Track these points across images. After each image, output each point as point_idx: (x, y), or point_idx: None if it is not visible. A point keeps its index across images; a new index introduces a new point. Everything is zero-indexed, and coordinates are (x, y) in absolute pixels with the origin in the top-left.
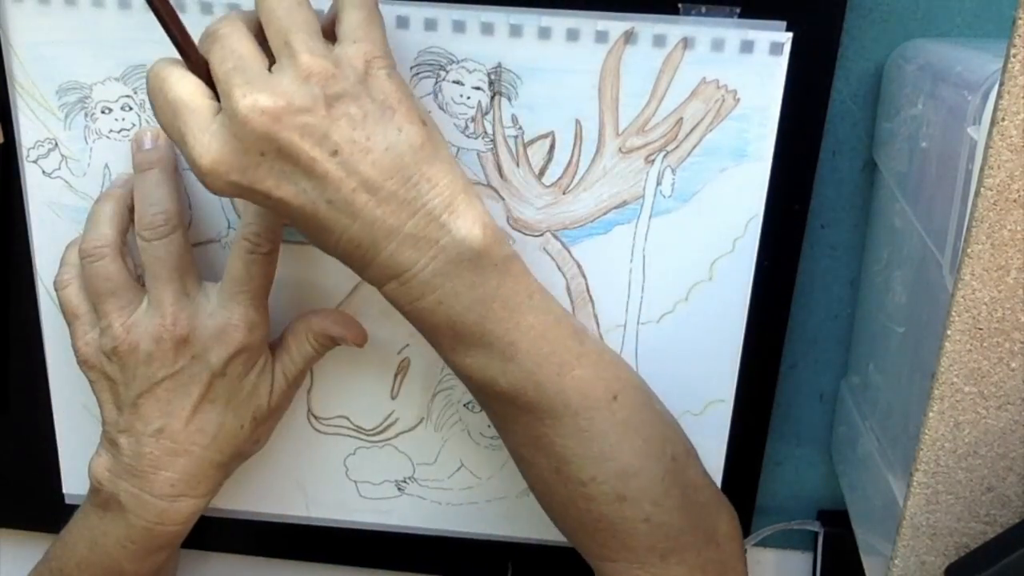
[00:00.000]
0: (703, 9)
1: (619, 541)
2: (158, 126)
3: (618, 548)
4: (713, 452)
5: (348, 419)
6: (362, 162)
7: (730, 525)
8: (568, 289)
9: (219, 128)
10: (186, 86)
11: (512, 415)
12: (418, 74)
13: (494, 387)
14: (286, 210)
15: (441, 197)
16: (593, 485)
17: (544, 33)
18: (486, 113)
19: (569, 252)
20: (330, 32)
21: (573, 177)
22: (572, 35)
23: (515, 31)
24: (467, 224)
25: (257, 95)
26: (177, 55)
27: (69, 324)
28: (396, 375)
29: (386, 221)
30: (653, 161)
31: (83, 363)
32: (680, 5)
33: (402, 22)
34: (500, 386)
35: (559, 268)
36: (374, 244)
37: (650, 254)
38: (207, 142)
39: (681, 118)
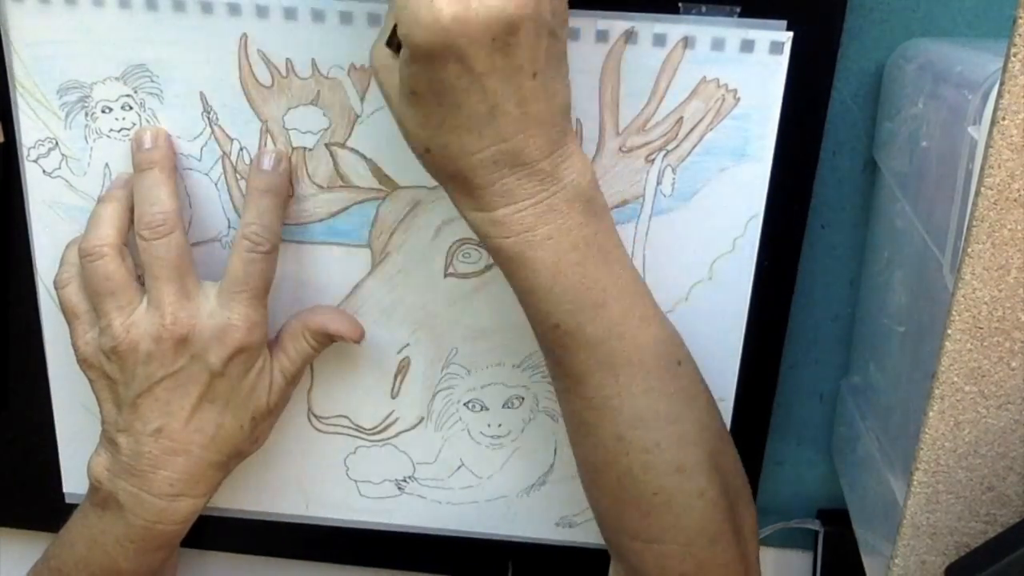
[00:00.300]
0: (703, 8)
1: (674, 517)
2: (157, 125)
3: (670, 527)
4: None
5: (348, 418)
6: (542, 92)
7: (753, 521)
8: None
9: None
10: None
11: (587, 371)
12: None
13: (579, 336)
14: (471, 97)
15: (569, 146)
16: (656, 452)
17: None
18: None
19: None
20: None
21: None
22: (572, 34)
23: None
24: (581, 168)
25: None
26: None
27: (69, 323)
28: (396, 375)
29: (540, 147)
30: (653, 160)
31: (83, 362)
32: (680, 4)
33: None
34: (587, 333)
35: None
36: (511, 167)
37: (650, 253)
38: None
39: (681, 117)
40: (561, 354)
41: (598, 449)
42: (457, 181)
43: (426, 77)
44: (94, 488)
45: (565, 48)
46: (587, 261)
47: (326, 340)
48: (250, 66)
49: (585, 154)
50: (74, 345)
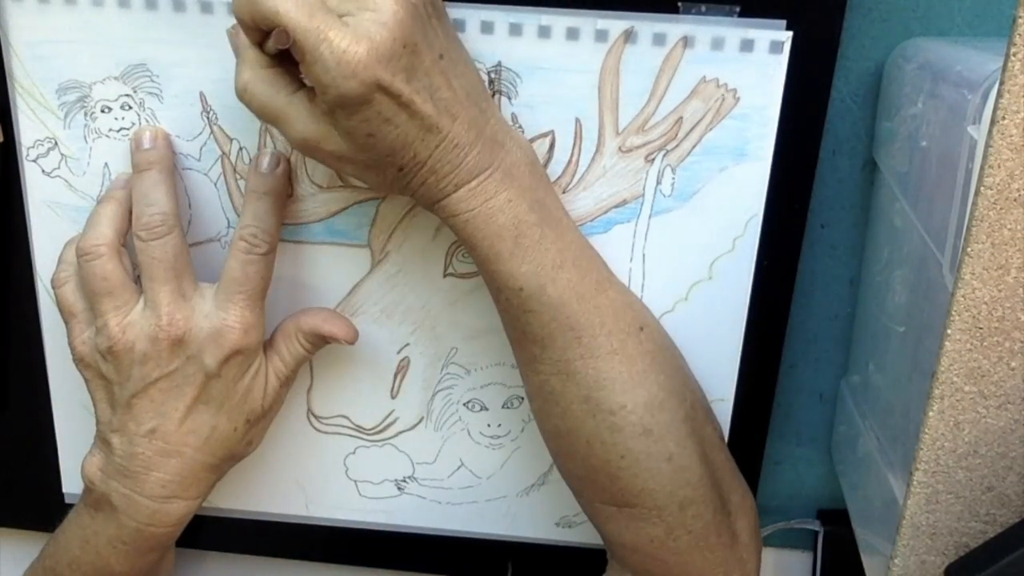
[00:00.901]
0: (703, 8)
1: (641, 481)
2: (157, 125)
3: (639, 491)
4: None
5: (348, 418)
6: (457, 67)
7: (743, 499)
8: None
9: (367, 23)
10: None
11: (550, 335)
12: None
13: (542, 297)
14: (403, 115)
15: (497, 110)
16: (622, 414)
17: (544, 32)
18: None
19: None
20: None
21: (573, 176)
22: (572, 34)
23: (515, 30)
24: (517, 134)
25: None
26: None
27: (66, 323)
28: (396, 375)
29: (476, 122)
30: (653, 160)
31: (79, 362)
32: (680, 4)
33: None
34: (548, 296)
35: None
36: (469, 144)
37: (650, 253)
38: (365, 30)
39: (681, 117)
40: (526, 319)
41: (566, 416)
42: (420, 189)
43: (358, 121)
44: (88, 489)
45: (449, 20)
46: (544, 223)
47: (319, 341)
48: None
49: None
50: (70, 344)
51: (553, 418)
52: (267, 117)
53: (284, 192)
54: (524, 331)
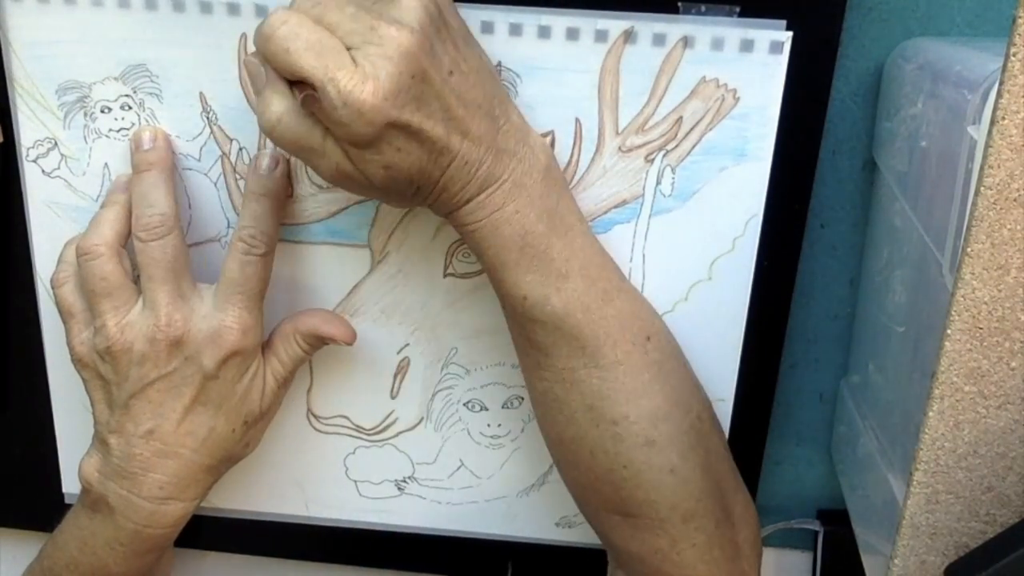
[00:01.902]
0: (703, 8)
1: (644, 492)
2: (156, 125)
3: (641, 502)
4: None
5: (348, 419)
6: (467, 81)
7: (746, 510)
8: None
9: (375, 61)
10: (317, 32)
11: (554, 344)
12: None
13: (545, 307)
14: (414, 143)
15: (515, 114)
16: (625, 424)
17: (544, 32)
18: None
19: None
20: None
21: (573, 176)
22: (572, 34)
23: (515, 30)
24: (536, 138)
25: (400, 24)
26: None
27: (64, 323)
28: (396, 375)
29: (486, 135)
30: (653, 160)
31: (77, 362)
32: (680, 4)
33: None
34: (552, 306)
35: None
36: (479, 159)
37: (650, 253)
38: (371, 68)
39: (681, 117)
40: (530, 327)
41: (570, 424)
42: (435, 203)
43: (372, 155)
44: (85, 490)
45: (462, 23)
46: (552, 233)
47: (317, 343)
48: None
49: (529, 125)
50: (69, 344)
51: (557, 426)
52: (299, 152)
53: (283, 193)
54: (529, 338)
